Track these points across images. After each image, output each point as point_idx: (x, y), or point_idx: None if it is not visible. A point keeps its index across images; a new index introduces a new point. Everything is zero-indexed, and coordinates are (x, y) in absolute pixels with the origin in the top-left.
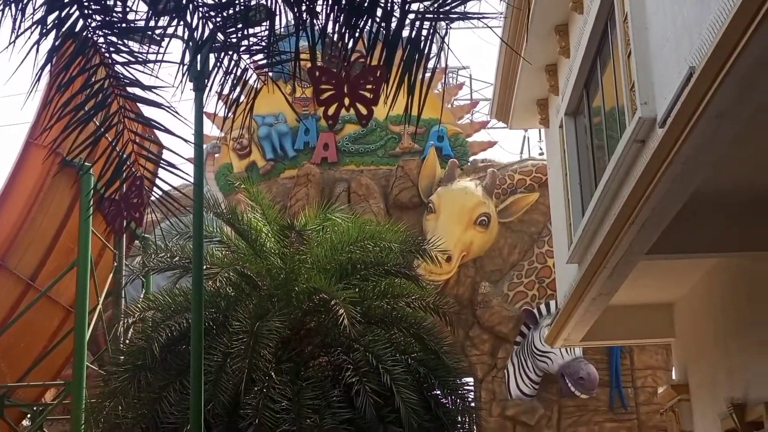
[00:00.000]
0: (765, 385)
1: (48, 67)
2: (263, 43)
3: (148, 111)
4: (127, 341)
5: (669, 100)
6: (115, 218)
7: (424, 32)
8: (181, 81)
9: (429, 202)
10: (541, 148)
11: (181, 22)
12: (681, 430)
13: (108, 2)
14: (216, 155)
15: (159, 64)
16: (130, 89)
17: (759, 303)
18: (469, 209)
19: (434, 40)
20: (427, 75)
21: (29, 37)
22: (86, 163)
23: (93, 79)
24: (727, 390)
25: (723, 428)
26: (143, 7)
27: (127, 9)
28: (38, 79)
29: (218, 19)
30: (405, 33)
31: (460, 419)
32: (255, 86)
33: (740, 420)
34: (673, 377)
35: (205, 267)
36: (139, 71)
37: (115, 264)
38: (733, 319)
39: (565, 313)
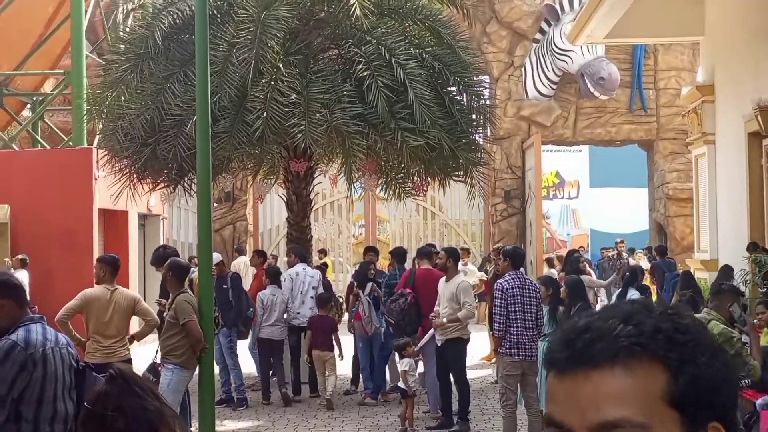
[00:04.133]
0: None
1: None
2: None
3: None
4: (128, 29)
5: None
6: None
7: None
8: None
9: None
10: None
11: None
12: (702, 132)
13: None
14: None
15: None
16: None
17: None
18: None
19: None
20: None
21: None
22: None
23: None
24: (753, 91)
25: (746, 130)
26: None
27: None
28: None
29: None
30: None
31: (474, 117)
32: None
33: (765, 122)
34: (698, 78)
35: None
36: None
37: None
38: (767, 18)
39: (590, 7)
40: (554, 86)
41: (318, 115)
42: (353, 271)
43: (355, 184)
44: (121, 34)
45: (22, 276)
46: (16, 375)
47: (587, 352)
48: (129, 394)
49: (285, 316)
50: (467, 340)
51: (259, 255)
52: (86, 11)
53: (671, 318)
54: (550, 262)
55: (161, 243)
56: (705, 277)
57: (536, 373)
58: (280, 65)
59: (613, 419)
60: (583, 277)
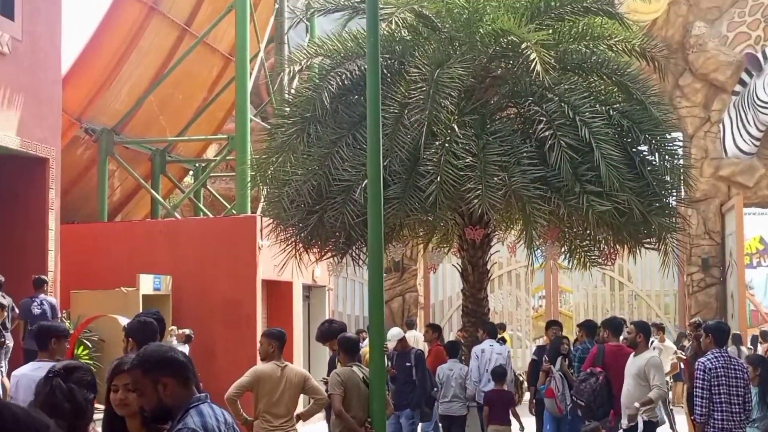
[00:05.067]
0: None
1: None
2: None
3: None
4: (293, 91)
5: None
6: None
7: None
8: None
9: None
10: None
11: None
12: None
13: None
14: None
15: None
16: None
17: None
18: None
19: None
20: None
21: None
22: None
23: None
24: None
25: None
26: None
27: None
28: None
29: None
30: None
31: (667, 179)
32: None
33: None
34: None
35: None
36: None
37: (276, 5)
38: None
39: None
40: (757, 142)
41: (495, 178)
42: (534, 347)
43: (535, 253)
44: (287, 96)
45: (183, 351)
46: None
47: None
48: None
49: (467, 392)
50: (657, 423)
51: (434, 330)
52: (251, 74)
53: None
54: (735, 339)
55: (327, 316)
56: None
57: None
58: (455, 126)
59: None
60: None
